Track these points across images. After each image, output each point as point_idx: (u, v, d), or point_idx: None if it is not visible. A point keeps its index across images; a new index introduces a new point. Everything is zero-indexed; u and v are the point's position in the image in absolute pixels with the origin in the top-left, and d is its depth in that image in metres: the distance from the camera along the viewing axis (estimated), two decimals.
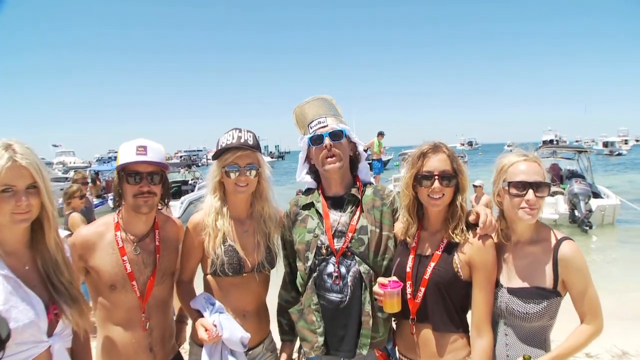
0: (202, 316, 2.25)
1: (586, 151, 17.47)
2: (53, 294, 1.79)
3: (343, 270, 2.22)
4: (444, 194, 2.12)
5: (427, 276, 2.12)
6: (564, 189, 14.89)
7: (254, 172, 2.38)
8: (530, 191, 2.02)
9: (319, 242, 2.27)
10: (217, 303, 2.28)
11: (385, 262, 2.29)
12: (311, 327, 2.27)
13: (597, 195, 14.66)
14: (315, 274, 2.27)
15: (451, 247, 2.14)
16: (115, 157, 2.32)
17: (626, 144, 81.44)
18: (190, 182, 20.65)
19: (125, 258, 2.21)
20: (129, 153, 2.20)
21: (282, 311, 2.54)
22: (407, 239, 2.25)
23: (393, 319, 2.35)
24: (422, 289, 2.13)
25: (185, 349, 2.53)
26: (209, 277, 2.41)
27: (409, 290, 2.16)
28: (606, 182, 19.02)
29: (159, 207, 2.38)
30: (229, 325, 2.21)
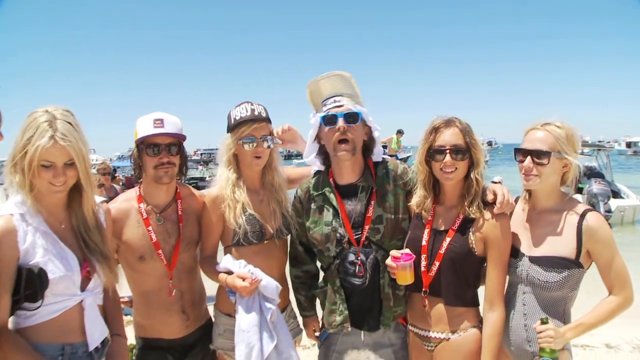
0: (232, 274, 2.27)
1: (605, 149, 17.23)
2: (85, 252, 1.89)
3: (362, 258, 2.25)
4: (456, 168, 2.11)
5: (442, 251, 2.15)
6: (582, 187, 14.69)
7: (267, 144, 2.42)
8: (529, 158, 2.05)
9: (337, 235, 2.29)
10: (244, 261, 2.31)
11: (399, 243, 2.31)
12: (332, 307, 2.34)
13: (616, 194, 14.44)
14: (337, 261, 2.30)
15: (466, 223, 2.15)
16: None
17: None
18: (207, 178, 20.83)
19: (150, 228, 2.29)
20: (146, 126, 2.26)
21: (297, 288, 2.59)
22: (423, 212, 2.26)
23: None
24: (437, 263, 2.16)
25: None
26: (230, 248, 2.46)
27: (423, 263, 2.20)
28: (627, 181, 18.63)
29: (178, 178, 2.44)
30: (262, 274, 2.24)
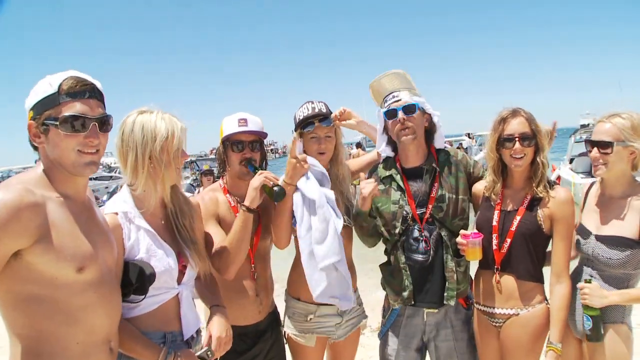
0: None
1: None
2: (179, 240, 2.00)
3: (426, 234, 2.42)
4: (525, 154, 2.29)
5: (513, 228, 2.33)
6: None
7: (331, 139, 2.59)
8: (595, 149, 2.25)
9: (404, 212, 2.46)
10: None
11: (461, 223, 2.47)
12: (399, 283, 2.50)
13: None
14: (403, 238, 2.48)
15: (534, 203, 2.33)
16: None
17: None
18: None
19: (237, 215, 2.40)
20: (232, 125, 2.45)
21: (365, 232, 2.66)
22: (492, 195, 2.43)
23: (470, 270, 2.54)
24: (508, 240, 2.33)
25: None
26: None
27: (494, 242, 2.37)
28: None
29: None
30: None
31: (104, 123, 1.61)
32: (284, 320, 2.67)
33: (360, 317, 2.75)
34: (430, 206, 2.44)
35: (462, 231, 2.35)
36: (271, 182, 2.25)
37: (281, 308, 2.75)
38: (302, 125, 2.54)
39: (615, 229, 2.22)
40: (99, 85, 1.61)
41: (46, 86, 1.52)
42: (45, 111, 1.51)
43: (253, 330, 2.52)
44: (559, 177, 13.78)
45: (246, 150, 2.46)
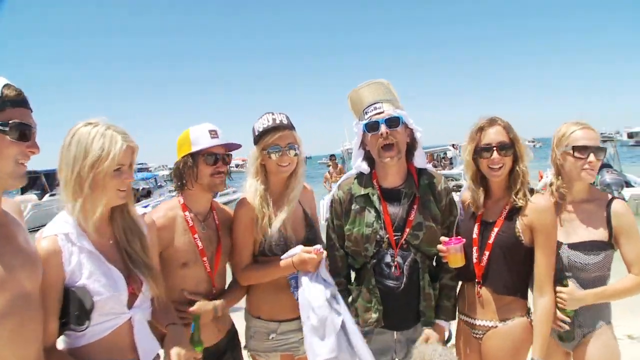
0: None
1: (612, 140, 17.21)
2: (130, 265, 1.87)
3: (400, 260, 2.30)
4: (503, 164, 2.22)
5: (491, 241, 2.26)
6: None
7: (293, 152, 2.42)
8: (592, 154, 2.24)
9: (378, 236, 2.31)
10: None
11: (434, 250, 2.32)
12: (367, 305, 2.36)
13: (628, 184, 14.43)
14: (374, 261, 2.34)
15: (513, 213, 2.25)
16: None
17: None
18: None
19: (196, 236, 2.31)
20: (204, 137, 2.32)
21: None
22: (477, 206, 2.35)
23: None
24: (487, 253, 2.27)
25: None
26: (256, 258, 2.48)
27: (475, 255, 2.31)
28: (633, 172, 18.59)
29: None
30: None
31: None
32: (245, 340, 2.56)
33: None
34: (407, 230, 2.30)
35: (442, 238, 2.25)
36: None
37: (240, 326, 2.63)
38: (264, 139, 2.40)
39: (586, 234, 2.26)
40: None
41: None
42: None
43: (213, 351, 2.38)
44: (545, 185, 13.82)
45: (219, 163, 2.36)
